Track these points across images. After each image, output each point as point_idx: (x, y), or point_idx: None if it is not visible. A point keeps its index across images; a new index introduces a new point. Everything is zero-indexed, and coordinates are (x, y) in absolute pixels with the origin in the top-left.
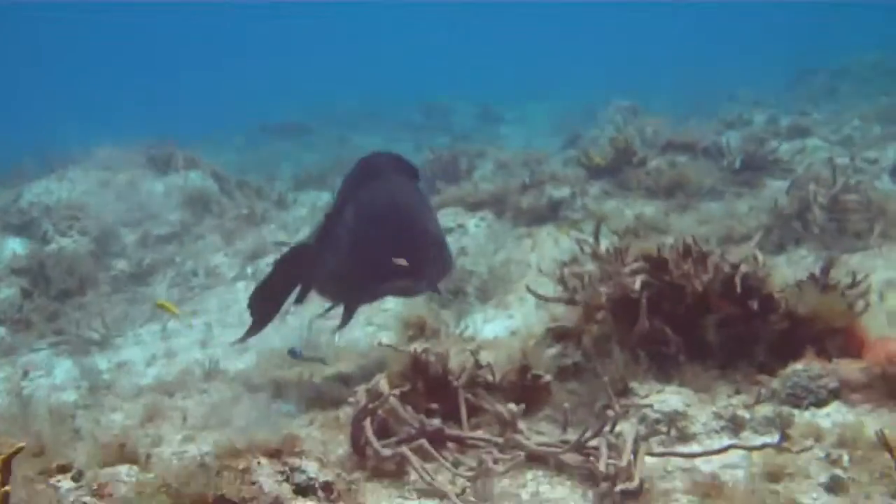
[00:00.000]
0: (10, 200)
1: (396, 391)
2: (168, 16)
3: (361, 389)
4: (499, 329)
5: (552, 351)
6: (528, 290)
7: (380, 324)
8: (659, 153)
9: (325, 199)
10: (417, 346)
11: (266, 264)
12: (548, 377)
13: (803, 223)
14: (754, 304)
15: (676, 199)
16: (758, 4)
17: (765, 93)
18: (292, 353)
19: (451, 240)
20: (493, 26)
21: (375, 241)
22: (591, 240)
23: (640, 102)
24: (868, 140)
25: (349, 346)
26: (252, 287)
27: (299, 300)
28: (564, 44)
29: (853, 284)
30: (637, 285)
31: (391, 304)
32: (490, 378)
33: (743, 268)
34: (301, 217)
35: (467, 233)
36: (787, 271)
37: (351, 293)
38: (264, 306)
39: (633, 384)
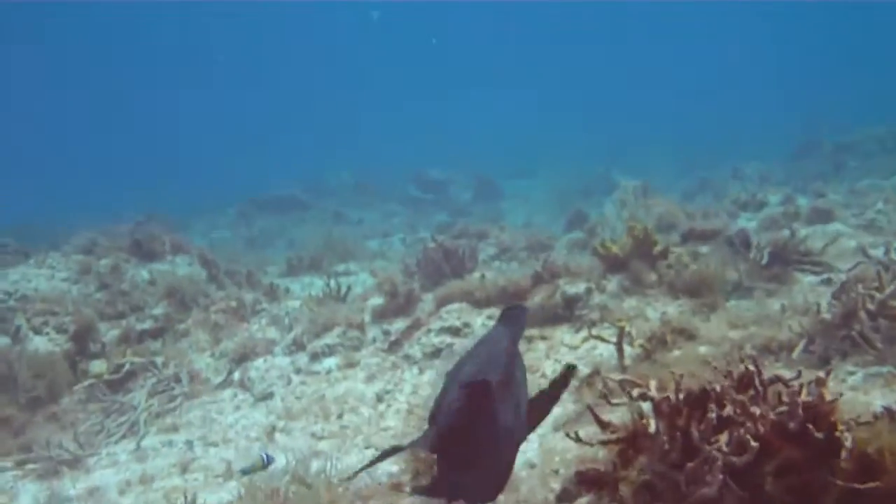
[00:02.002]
0: None
1: None
2: (158, 87)
3: None
4: None
5: (583, 501)
6: (572, 437)
7: (379, 446)
8: (679, 242)
9: (318, 285)
10: None
11: (255, 368)
12: None
13: (858, 334)
14: (819, 440)
15: (702, 296)
16: (757, 74)
17: (769, 166)
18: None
19: (456, 341)
20: (490, 97)
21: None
22: (648, 391)
23: (638, 175)
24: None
25: (344, 475)
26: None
27: None
28: (560, 116)
29: None
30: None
31: (391, 421)
32: None
33: (805, 397)
34: (293, 309)
35: (474, 334)
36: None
37: None
38: None
39: None
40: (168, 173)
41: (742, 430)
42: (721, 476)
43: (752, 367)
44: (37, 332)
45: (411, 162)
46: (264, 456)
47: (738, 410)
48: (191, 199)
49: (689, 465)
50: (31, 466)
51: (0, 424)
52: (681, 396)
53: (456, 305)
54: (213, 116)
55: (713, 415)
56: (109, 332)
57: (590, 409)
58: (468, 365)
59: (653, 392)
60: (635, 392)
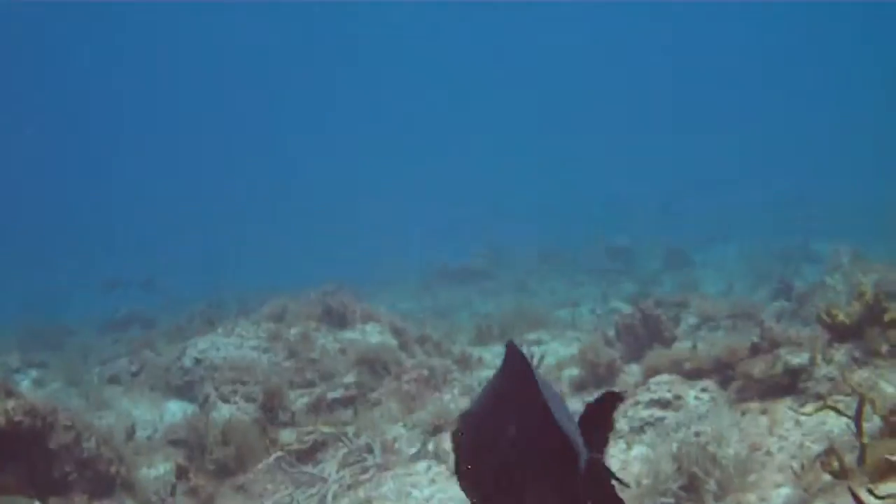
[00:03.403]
0: (175, 357)
1: None
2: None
3: None
4: None
5: None
6: None
7: None
8: None
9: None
10: None
11: (448, 440)
12: None
13: None
14: None
15: None
16: None
17: None
18: None
19: (667, 415)
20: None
21: None
22: None
23: (833, 240)
24: None
25: None
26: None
27: None
28: (743, 179)
29: None
30: None
31: None
32: None
33: None
34: (486, 378)
35: (686, 407)
36: None
37: None
38: None
39: None
40: (345, 240)
41: None
42: None
43: None
44: (224, 400)
45: (597, 231)
46: None
47: None
48: (370, 269)
49: None
50: None
51: (188, 494)
52: None
53: (666, 377)
54: (388, 180)
55: None
56: (299, 401)
57: (850, 489)
58: None
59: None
60: None
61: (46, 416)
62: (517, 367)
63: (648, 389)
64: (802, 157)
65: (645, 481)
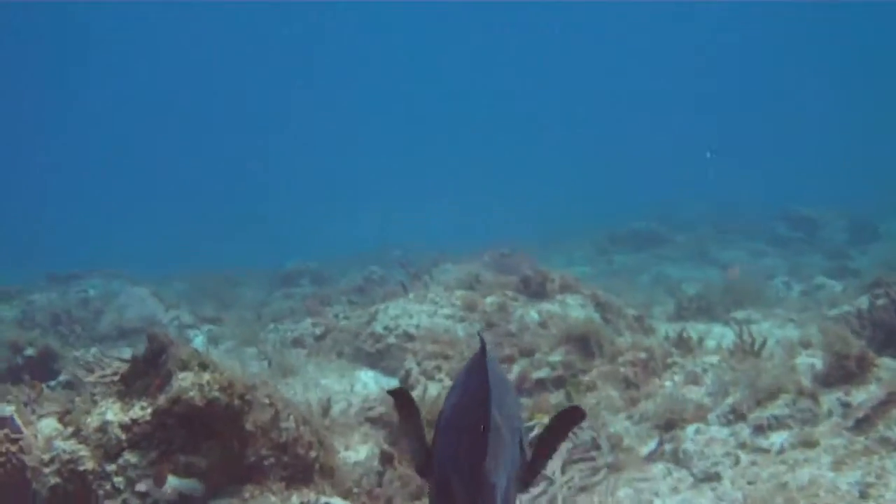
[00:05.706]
0: (364, 322)
1: None
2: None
3: None
4: None
5: None
6: None
7: None
8: None
9: (716, 333)
10: None
11: (689, 439)
12: None
13: None
14: None
15: None
16: None
17: None
18: None
19: None
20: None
21: None
22: None
23: None
24: None
25: None
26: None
27: None
28: None
29: None
30: None
31: None
32: None
33: None
34: (711, 364)
35: None
36: None
37: None
38: None
39: None
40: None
41: None
42: None
43: None
44: (429, 377)
45: (773, 196)
46: None
47: None
48: (537, 233)
49: None
50: None
51: (396, 485)
52: None
53: None
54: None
55: None
56: None
57: None
58: None
59: None
60: None
61: (245, 394)
62: (476, 358)
63: None
64: None
65: None
